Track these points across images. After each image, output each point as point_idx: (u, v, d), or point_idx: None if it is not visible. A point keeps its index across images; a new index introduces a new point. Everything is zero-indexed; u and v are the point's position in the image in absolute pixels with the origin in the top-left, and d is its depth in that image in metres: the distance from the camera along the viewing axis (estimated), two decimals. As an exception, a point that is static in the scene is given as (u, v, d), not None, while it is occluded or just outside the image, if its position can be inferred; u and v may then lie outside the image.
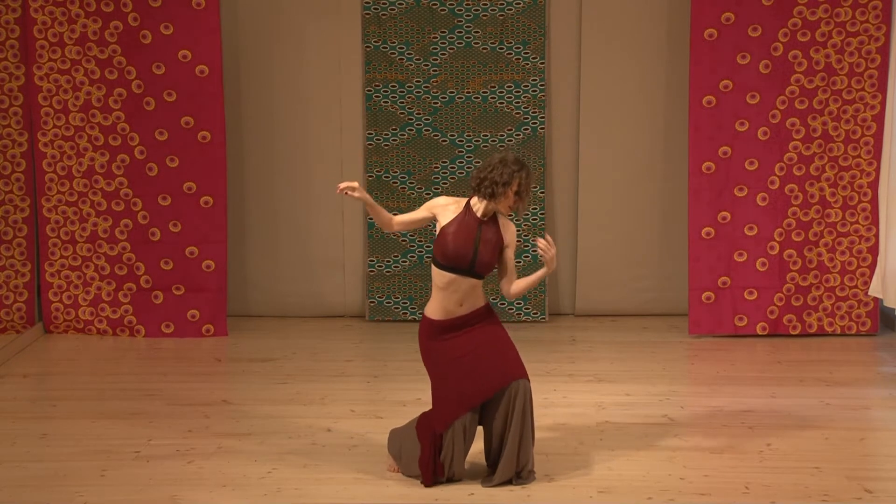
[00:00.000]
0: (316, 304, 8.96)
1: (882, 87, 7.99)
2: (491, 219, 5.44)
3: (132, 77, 8.19)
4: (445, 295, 5.42)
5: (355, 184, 5.44)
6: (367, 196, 5.47)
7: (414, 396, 6.76)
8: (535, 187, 6.23)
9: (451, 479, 5.50)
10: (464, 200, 5.48)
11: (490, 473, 5.54)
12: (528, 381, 5.48)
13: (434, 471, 5.47)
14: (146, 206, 8.34)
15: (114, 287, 8.42)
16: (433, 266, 5.44)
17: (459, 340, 5.42)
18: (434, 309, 5.46)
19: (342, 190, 5.42)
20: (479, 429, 5.59)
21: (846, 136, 8.15)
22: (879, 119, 8.03)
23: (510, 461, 5.46)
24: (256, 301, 8.97)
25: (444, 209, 5.47)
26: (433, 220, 5.51)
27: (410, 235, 8.73)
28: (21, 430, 6.39)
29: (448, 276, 5.38)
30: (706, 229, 8.26)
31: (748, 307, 8.29)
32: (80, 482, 5.60)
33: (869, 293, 8.12)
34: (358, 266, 8.92)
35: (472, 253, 5.36)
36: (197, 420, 6.54)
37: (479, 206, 5.42)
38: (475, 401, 5.43)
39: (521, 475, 5.49)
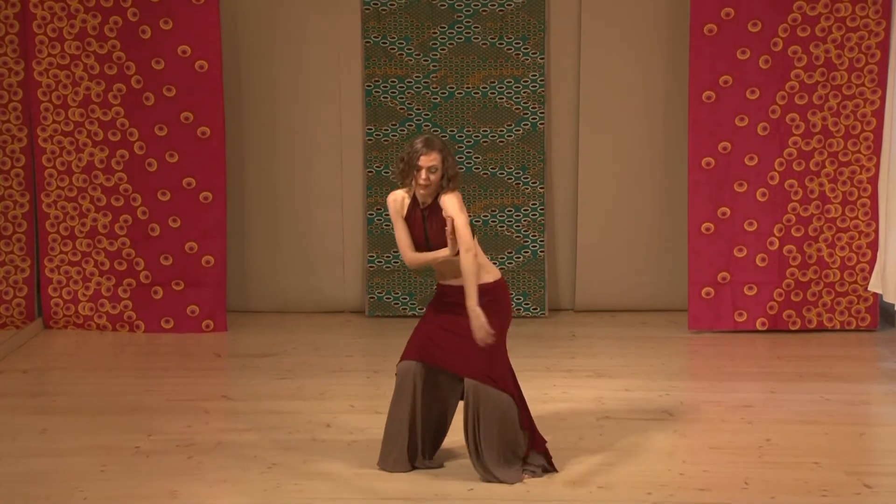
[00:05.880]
0: (316, 300, 8.96)
1: (882, 83, 7.98)
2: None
3: (131, 72, 8.19)
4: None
5: None
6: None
7: (413, 392, 6.76)
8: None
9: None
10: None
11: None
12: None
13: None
14: (146, 201, 8.33)
15: (113, 282, 8.42)
16: None
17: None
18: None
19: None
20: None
21: (846, 132, 8.15)
22: (879, 114, 8.02)
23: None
24: (256, 296, 8.96)
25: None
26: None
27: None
28: (21, 426, 6.39)
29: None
30: (706, 224, 8.26)
31: (748, 302, 8.29)
32: (79, 477, 5.60)
33: (868, 289, 8.12)
34: (358, 261, 8.92)
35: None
36: (197, 415, 6.54)
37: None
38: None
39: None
